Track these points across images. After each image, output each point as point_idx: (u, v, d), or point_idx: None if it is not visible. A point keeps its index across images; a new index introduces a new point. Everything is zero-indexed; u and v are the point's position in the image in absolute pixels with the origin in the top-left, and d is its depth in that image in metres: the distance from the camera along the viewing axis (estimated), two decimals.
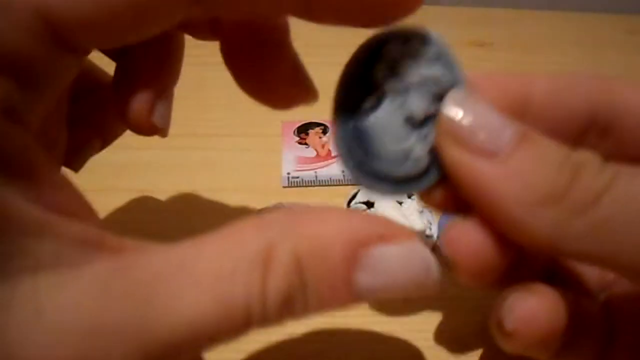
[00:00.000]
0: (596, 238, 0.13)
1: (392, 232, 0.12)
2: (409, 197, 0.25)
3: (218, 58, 0.41)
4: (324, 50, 0.41)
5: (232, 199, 0.27)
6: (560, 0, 0.52)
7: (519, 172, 0.13)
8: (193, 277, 0.11)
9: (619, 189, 0.13)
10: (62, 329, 0.09)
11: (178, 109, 0.33)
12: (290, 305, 0.11)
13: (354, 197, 0.25)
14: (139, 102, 0.16)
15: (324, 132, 0.31)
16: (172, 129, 0.19)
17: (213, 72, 0.39)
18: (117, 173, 0.28)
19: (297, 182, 0.28)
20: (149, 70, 0.17)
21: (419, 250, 0.12)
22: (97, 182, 0.27)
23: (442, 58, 0.14)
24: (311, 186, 0.28)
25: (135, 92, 0.16)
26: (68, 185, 0.12)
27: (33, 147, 0.12)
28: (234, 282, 0.11)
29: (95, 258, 0.11)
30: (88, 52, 0.14)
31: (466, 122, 0.13)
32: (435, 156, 0.13)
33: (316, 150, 0.30)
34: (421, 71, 0.14)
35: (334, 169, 0.28)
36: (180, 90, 0.35)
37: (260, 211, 0.25)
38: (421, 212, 0.24)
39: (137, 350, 0.10)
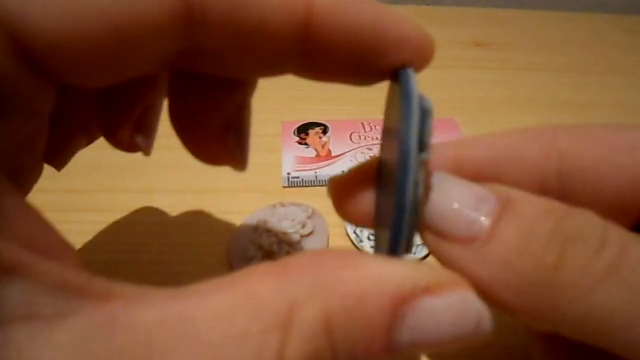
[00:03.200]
0: (597, 327, 0.11)
1: (439, 281, 0.10)
2: None
3: None
4: None
5: (232, 199, 0.27)
6: (560, 0, 0.52)
7: (499, 257, 0.11)
8: (195, 338, 0.09)
9: (625, 274, 0.11)
10: None
11: None
12: None
13: None
14: (121, 128, 0.15)
15: (324, 132, 0.31)
16: (173, 129, 0.18)
17: None
18: (117, 173, 0.28)
19: (297, 182, 0.28)
20: (133, 99, 0.15)
21: (471, 302, 0.11)
22: (97, 182, 0.27)
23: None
24: (311, 186, 0.28)
25: (118, 118, 0.15)
26: (39, 218, 0.10)
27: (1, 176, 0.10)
28: (244, 346, 0.09)
29: (76, 308, 0.09)
30: (68, 85, 0.12)
31: (436, 208, 0.12)
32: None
33: (316, 150, 0.30)
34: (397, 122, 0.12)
35: (334, 169, 0.28)
36: None
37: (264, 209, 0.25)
38: None
39: None
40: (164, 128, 0.17)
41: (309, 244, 0.22)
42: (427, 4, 0.51)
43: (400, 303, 0.10)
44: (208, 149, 0.14)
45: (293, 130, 0.31)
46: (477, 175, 0.13)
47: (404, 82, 0.12)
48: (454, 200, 0.12)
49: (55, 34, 0.10)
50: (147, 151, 0.17)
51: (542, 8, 0.51)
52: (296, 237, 0.22)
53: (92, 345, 0.08)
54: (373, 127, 0.32)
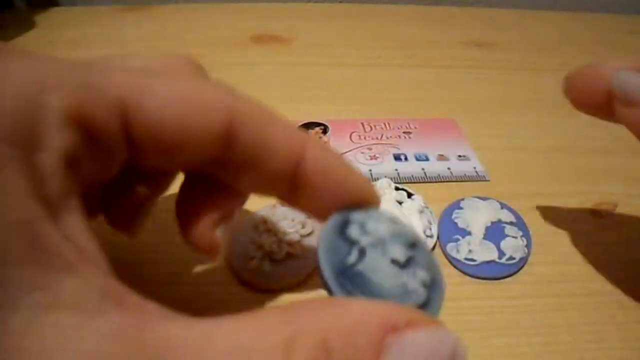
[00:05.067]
0: None
1: (418, 318, 0.12)
2: (409, 196, 0.25)
3: (218, 58, 0.41)
4: (324, 50, 0.41)
5: None
6: (560, 1, 0.52)
7: None
8: (209, 352, 0.10)
9: None
10: None
11: None
12: None
13: None
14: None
15: (324, 131, 0.31)
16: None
17: (213, 72, 0.39)
18: None
19: None
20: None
21: (447, 335, 0.12)
22: None
23: (398, 220, 0.16)
24: None
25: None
26: (94, 239, 0.12)
27: (77, 196, 0.12)
28: (252, 357, 0.10)
29: (113, 311, 0.10)
30: (133, 158, 0.14)
31: (629, 85, 0.18)
32: (430, 290, 0.15)
33: None
34: (388, 227, 0.16)
35: None
36: None
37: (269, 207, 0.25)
38: (421, 212, 0.24)
39: None
40: None
41: (309, 243, 0.22)
42: (427, 4, 0.51)
43: (388, 331, 0.11)
44: (199, 237, 0.16)
45: None
46: None
47: (326, 223, 0.15)
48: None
49: (153, 123, 0.13)
50: (135, 235, 0.18)
51: (542, 8, 0.51)
52: (296, 237, 0.22)
53: (125, 337, 0.10)
54: (373, 127, 0.32)
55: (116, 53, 0.41)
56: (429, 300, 0.14)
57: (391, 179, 0.26)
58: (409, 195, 0.25)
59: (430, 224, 0.24)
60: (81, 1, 0.48)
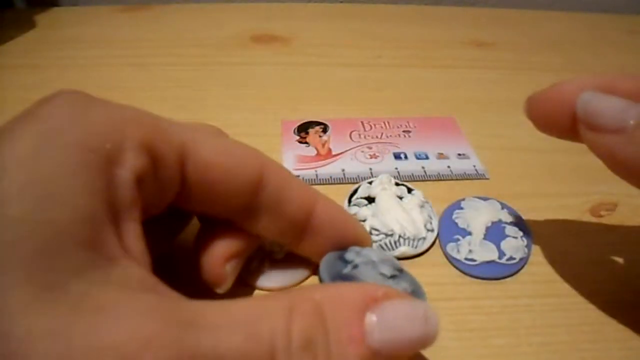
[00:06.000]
0: None
1: (394, 292, 0.15)
2: (409, 192, 0.25)
3: (218, 58, 0.41)
4: (324, 50, 0.41)
5: None
6: (560, 1, 0.52)
7: None
8: (227, 317, 0.13)
9: None
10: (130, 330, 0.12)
11: (178, 109, 0.33)
12: (312, 346, 0.13)
13: (355, 192, 0.25)
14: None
15: (324, 130, 0.31)
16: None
17: (213, 72, 0.39)
18: None
19: None
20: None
21: (418, 302, 0.15)
22: None
23: (388, 254, 0.21)
24: (312, 185, 0.28)
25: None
26: (143, 243, 0.15)
27: (138, 209, 0.15)
28: (262, 323, 0.13)
29: (147, 293, 0.13)
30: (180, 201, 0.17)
31: (594, 108, 0.17)
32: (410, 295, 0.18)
33: (316, 149, 0.29)
34: (379, 255, 0.20)
35: (334, 167, 0.28)
36: (181, 90, 0.35)
37: None
38: (422, 206, 0.24)
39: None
40: None
41: None
42: (426, 3, 0.51)
43: (369, 301, 0.14)
44: (210, 270, 0.18)
45: (293, 130, 0.31)
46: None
47: (322, 261, 0.19)
48: (607, 102, 0.17)
49: (204, 167, 0.16)
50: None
51: (542, 8, 0.51)
52: None
53: (160, 306, 0.12)
54: (373, 126, 0.32)
55: (116, 53, 0.41)
56: None
57: (392, 177, 0.26)
58: (409, 190, 0.25)
59: (431, 218, 0.24)
60: (81, 1, 0.48)
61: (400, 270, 0.20)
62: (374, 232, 0.23)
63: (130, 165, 0.14)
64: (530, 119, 0.20)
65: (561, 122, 0.19)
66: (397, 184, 0.26)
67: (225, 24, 0.44)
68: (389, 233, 0.23)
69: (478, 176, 0.28)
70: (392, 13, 0.48)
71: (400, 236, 0.23)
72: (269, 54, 0.40)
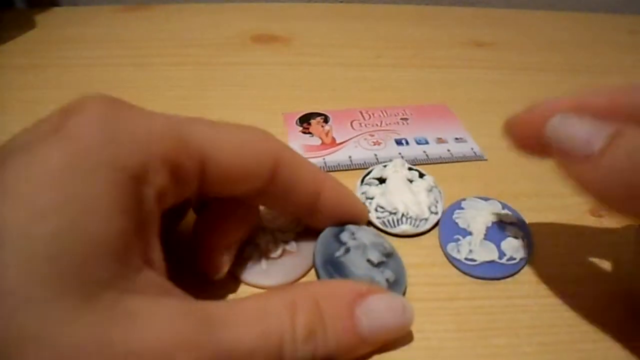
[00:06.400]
0: None
1: (377, 289, 0.18)
2: (421, 176, 0.26)
3: (218, 58, 0.41)
4: (324, 50, 0.41)
5: None
6: (560, 0, 0.52)
7: (609, 165, 0.16)
8: (239, 313, 0.15)
9: None
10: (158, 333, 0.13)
11: (178, 108, 0.33)
12: (313, 337, 0.16)
13: (368, 173, 0.26)
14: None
15: (325, 121, 0.32)
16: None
17: (213, 72, 0.39)
18: None
19: None
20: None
21: (397, 296, 0.18)
22: None
23: (381, 236, 0.22)
24: None
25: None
26: (161, 251, 0.16)
27: (158, 221, 0.16)
28: (270, 320, 0.15)
29: (166, 297, 0.15)
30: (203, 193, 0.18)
31: (560, 135, 0.17)
32: (392, 286, 0.20)
33: (320, 138, 0.30)
34: (371, 238, 0.21)
35: (341, 155, 0.29)
36: (181, 90, 0.35)
37: None
38: (430, 190, 0.25)
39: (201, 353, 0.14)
40: None
41: (304, 242, 0.22)
42: (426, 3, 0.51)
43: (356, 296, 0.17)
44: (208, 259, 0.19)
45: (295, 121, 0.31)
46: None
47: (326, 229, 0.22)
48: (574, 127, 0.17)
49: (224, 165, 0.17)
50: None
51: (542, 8, 0.51)
52: (292, 235, 0.22)
53: (182, 308, 0.14)
54: (371, 115, 0.32)
55: (116, 53, 0.41)
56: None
57: (405, 162, 0.27)
58: (421, 175, 0.26)
59: (437, 201, 0.25)
60: (81, 1, 0.48)
61: (389, 255, 0.21)
62: (379, 209, 0.24)
63: (154, 183, 0.15)
64: (509, 142, 0.20)
65: (536, 146, 0.19)
66: (410, 169, 0.27)
67: (225, 24, 0.44)
68: (393, 211, 0.24)
69: (477, 157, 0.29)
70: (392, 13, 0.48)
71: (403, 215, 0.24)
72: (269, 54, 0.40)
